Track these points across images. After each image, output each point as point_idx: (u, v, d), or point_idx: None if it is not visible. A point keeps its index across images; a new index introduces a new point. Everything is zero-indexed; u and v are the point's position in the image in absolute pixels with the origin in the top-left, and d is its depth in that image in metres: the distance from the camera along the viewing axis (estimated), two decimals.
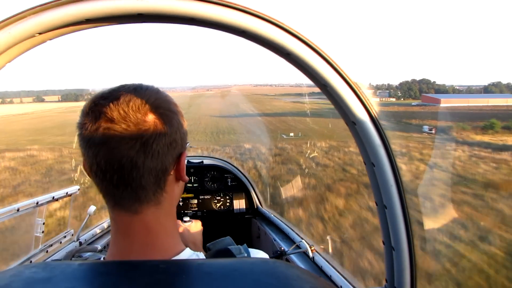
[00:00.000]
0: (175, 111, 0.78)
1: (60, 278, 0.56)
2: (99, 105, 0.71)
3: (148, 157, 0.71)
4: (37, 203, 1.90)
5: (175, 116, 0.77)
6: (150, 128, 0.71)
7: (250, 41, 0.97)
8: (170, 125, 0.75)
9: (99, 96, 0.74)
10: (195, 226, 1.65)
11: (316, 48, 0.97)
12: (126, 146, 0.69)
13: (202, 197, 3.19)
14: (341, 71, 1.01)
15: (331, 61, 0.99)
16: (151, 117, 0.72)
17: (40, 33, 0.86)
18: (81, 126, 0.72)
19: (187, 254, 0.78)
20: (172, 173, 0.78)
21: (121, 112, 0.70)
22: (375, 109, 1.09)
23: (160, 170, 0.74)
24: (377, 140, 1.10)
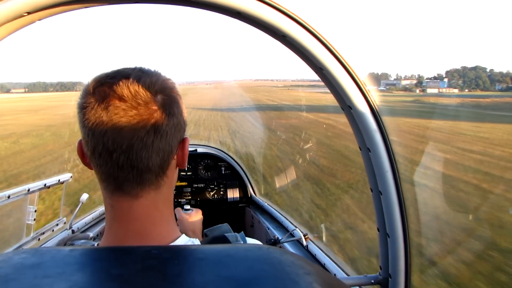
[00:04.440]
0: (179, 94, 0.78)
1: (50, 263, 0.55)
2: (107, 83, 0.70)
3: (157, 137, 0.70)
4: (28, 190, 1.88)
5: (180, 99, 0.77)
6: (160, 108, 0.71)
7: (245, 23, 0.96)
8: (177, 106, 0.75)
9: (103, 76, 0.72)
10: (195, 215, 1.66)
11: (313, 31, 0.96)
12: (137, 125, 0.68)
13: (196, 185, 3.18)
14: (338, 55, 1.00)
15: (328, 44, 0.98)
16: (160, 97, 0.71)
17: (29, 13, 0.84)
18: (85, 105, 0.70)
19: (182, 240, 0.78)
20: (175, 157, 0.77)
21: (132, 90, 0.68)
22: (372, 94, 1.08)
23: (167, 152, 0.73)
24: (373, 125, 1.10)
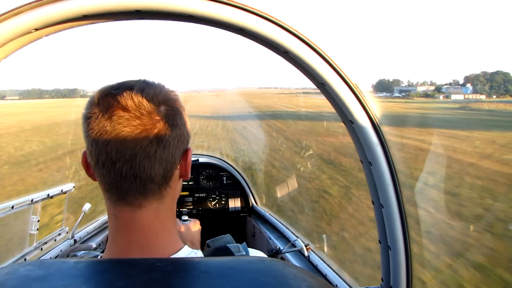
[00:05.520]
0: (183, 106, 0.80)
1: (55, 276, 0.55)
2: (111, 94, 0.72)
3: (160, 147, 0.72)
4: (32, 200, 1.89)
5: (183, 111, 0.79)
6: (163, 118, 0.72)
7: (248, 39, 0.97)
8: (180, 118, 0.76)
9: (108, 87, 0.74)
10: (193, 226, 1.65)
11: (314, 46, 0.97)
12: (140, 135, 0.69)
13: (198, 195, 3.18)
14: (339, 70, 1.02)
15: (329, 59, 1.00)
16: (163, 108, 0.73)
17: (36, 29, 0.85)
18: (89, 116, 0.71)
19: (185, 252, 0.78)
20: (178, 168, 0.78)
21: (135, 101, 0.70)
22: (373, 108, 1.09)
23: (170, 163, 0.74)
24: (374, 139, 1.11)
